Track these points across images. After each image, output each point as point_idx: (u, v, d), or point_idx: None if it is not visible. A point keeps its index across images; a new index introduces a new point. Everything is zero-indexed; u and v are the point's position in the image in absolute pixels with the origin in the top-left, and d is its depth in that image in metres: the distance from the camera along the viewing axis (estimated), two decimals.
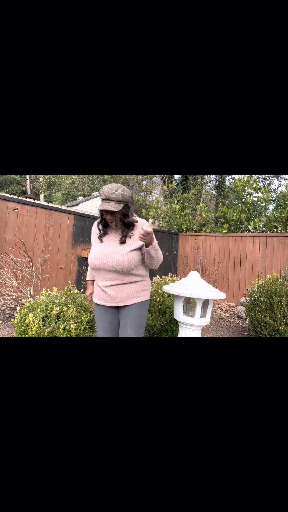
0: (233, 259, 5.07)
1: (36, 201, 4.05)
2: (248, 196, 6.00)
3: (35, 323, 1.92)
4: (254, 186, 5.96)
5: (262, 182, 15.82)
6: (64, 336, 1.98)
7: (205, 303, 1.76)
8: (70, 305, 2.12)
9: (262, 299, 2.91)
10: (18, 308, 2.20)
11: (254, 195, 6.01)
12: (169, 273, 3.52)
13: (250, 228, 5.57)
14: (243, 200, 6.13)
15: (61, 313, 2.05)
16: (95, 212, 9.49)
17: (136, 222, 1.54)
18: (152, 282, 3.14)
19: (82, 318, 2.09)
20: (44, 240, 3.95)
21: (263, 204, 5.68)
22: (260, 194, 5.87)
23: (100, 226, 1.56)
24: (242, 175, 6.82)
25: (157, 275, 3.43)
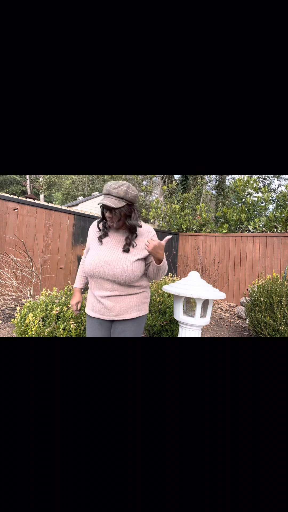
0: (233, 259, 5.07)
1: (36, 201, 4.05)
2: (248, 196, 6.00)
3: (35, 323, 1.92)
4: (254, 186, 5.96)
5: (262, 182, 15.82)
6: (64, 336, 1.98)
7: (205, 303, 1.76)
8: (70, 305, 2.12)
9: (262, 299, 2.91)
10: (18, 308, 2.20)
11: (254, 195, 6.01)
12: (169, 273, 3.51)
13: (250, 228, 5.57)
14: (243, 200, 6.13)
15: (61, 313, 2.05)
16: (95, 212, 9.49)
17: (140, 226, 1.35)
18: (152, 282, 3.14)
19: (82, 318, 2.09)
20: (44, 240, 3.95)
21: (263, 204, 5.68)
22: (260, 194, 5.87)
23: (101, 225, 1.38)
24: (242, 175, 6.82)
25: None
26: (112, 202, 1.20)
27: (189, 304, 1.83)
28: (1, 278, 3.36)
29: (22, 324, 1.99)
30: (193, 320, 1.73)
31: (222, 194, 13.12)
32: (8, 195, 3.79)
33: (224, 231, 5.69)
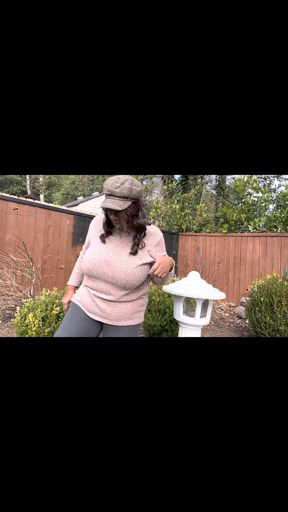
0: (233, 259, 5.07)
1: (36, 201, 4.05)
2: (248, 196, 6.00)
3: (35, 323, 1.92)
4: (254, 186, 5.96)
5: (262, 182, 15.83)
6: None
7: (205, 303, 1.76)
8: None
9: (262, 299, 2.91)
10: (18, 308, 2.20)
11: (254, 195, 6.01)
12: None
13: (250, 228, 5.57)
14: (243, 200, 6.14)
15: (61, 313, 2.05)
16: (95, 212, 9.49)
17: (149, 224, 1.23)
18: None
19: None
20: (44, 240, 3.95)
21: (263, 204, 5.68)
22: (260, 194, 5.87)
23: (106, 227, 1.24)
24: (242, 175, 6.82)
25: None
26: (116, 204, 1.05)
27: (189, 304, 1.83)
28: (1, 278, 3.36)
29: (22, 324, 1.99)
30: (193, 320, 1.73)
31: (222, 194, 13.13)
32: (8, 195, 3.79)
33: (224, 231, 5.70)
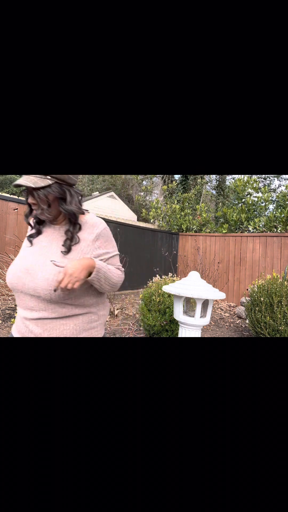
0: (233, 259, 5.07)
1: None
2: (248, 196, 6.00)
3: None
4: (254, 186, 5.96)
5: (263, 182, 15.83)
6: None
7: (205, 303, 1.76)
8: None
9: (262, 299, 2.91)
10: None
11: (254, 195, 6.01)
12: (169, 273, 3.52)
13: (250, 228, 5.57)
14: (243, 200, 6.14)
15: None
16: (95, 212, 9.49)
17: (83, 213, 0.96)
18: (152, 282, 3.13)
19: None
20: None
21: (263, 204, 5.68)
22: (260, 194, 5.87)
23: (31, 221, 0.98)
24: (242, 175, 6.82)
25: (157, 275, 3.43)
26: (30, 181, 0.85)
27: (189, 304, 1.83)
28: (1, 278, 3.36)
29: None
30: (193, 320, 1.73)
31: (222, 194, 13.13)
32: (8, 195, 3.80)
33: (224, 231, 5.70)
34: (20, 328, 0.98)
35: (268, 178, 15.94)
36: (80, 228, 0.95)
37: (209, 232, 6.29)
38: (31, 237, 0.98)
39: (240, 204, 6.15)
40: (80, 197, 0.98)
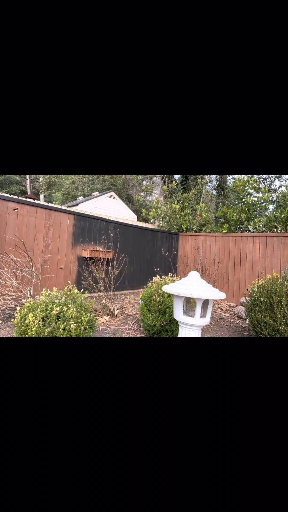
0: (233, 259, 5.07)
1: (36, 201, 4.05)
2: (248, 196, 6.00)
3: (35, 323, 1.92)
4: (254, 186, 5.96)
5: (263, 182, 15.83)
6: (64, 336, 1.97)
7: (205, 303, 1.76)
8: (70, 305, 2.12)
9: (262, 299, 2.91)
10: (18, 308, 2.20)
11: (254, 195, 6.01)
12: (169, 273, 3.52)
13: (250, 228, 5.57)
14: (243, 200, 6.14)
15: (61, 313, 2.05)
16: (95, 212, 9.49)
17: None
18: (152, 282, 3.13)
19: (82, 318, 2.09)
20: (44, 240, 3.94)
21: (263, 204, 5.68)
22: (260, 194, 5.87)
23: None
24: (242, 175, 6.82)
25: (157, 275, 3.43)
26: None
27: (189, 304, 1.83)
28: (1, 278, 3.36)
29: (22, 324, 1.99)
30: (193, 320, 1.72)
31: (222, 194, 13.12)
32: (8, 195, 3.80)
33: (224, 231, 5.69)
34: None
35: (269, 178, 15.93)
36: None
37: (209, 232, 6.29)
38: None
39: (240, 204, 6.15)
40: None
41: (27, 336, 1.95)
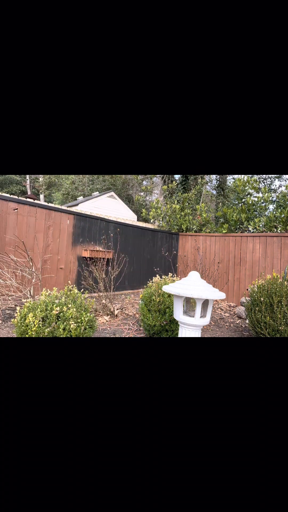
0: (233, 259, 5.07)
1: (36, 201, 4.05)
2: (248, 196, 6.00)
3: (35, 323, 1.92)
4: (254, 186, 5.96)
5: (263, 182, 15.83)
6: (64, 336, 1.97)
7: (205, 303, 1.76)
8: (70, 305, 2.12)
9: (262, 299, 2.91)
10: (18, 308, 2.20)
11: (254, 195, 6.01)
12: (169, 273, 3.52)
13: (250, 228, 5.57)
14: (243, 200, 6.14)
15: (61, 313, 2.05)
16: (95, 212, 9.50)
17: None
18: (152, 282, 3.13)
19: (82, 318, 2.09)
20: (44, 240, 3.94)
21: (263, 204, 5.68)
22: (260, 194, 5.87)
23: None
24: (242, 175, 6.82)
25: (157, 275, 3.43)
26: None
27: (189, 304, 1.83)
28: (1, 278, 3.36)
29: (22, 324, 1.99)
30: (193, 320, 1.72)
31: (222, 194, 13.12)
32: (8, 195, 3.80)
33: (224, 231, 5.69)
34: None
35: (269, 178, 15.93)
36: None
37: (209, 232, 6.29)
38: None
39: (240, 204, 6.15)
40: None
41: (27, 336, 1.95)
